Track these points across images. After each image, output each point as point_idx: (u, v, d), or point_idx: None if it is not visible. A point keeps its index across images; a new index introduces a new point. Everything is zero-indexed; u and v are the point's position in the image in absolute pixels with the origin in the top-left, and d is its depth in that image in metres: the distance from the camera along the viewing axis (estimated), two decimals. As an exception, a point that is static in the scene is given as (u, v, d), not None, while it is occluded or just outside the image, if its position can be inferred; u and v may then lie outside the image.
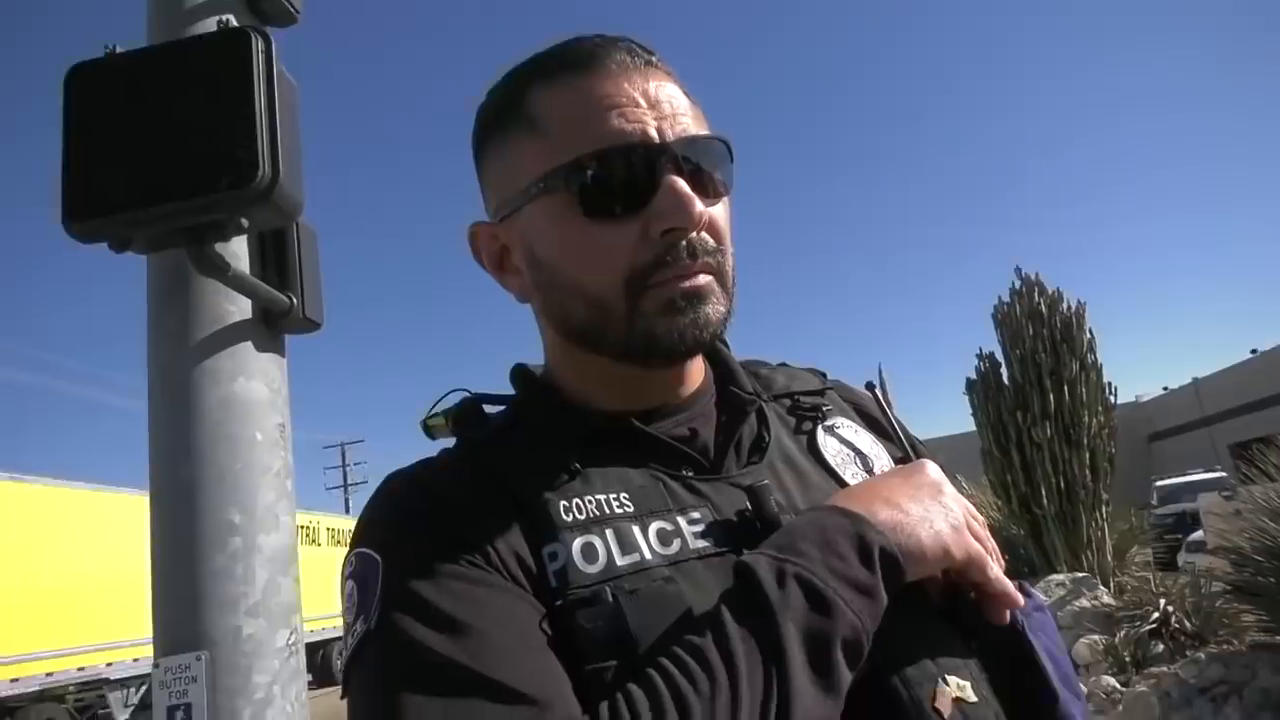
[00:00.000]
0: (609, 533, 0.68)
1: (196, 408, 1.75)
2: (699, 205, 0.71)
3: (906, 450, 0.86)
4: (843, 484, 0.79)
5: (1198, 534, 11.02)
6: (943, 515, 0.70)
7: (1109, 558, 8.50)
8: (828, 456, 0.82)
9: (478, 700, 0.58)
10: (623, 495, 0.71)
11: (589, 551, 0.66)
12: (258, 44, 1.33)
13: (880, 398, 0.91)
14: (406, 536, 0.68)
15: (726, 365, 0.85)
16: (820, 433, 0.84)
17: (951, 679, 0.64)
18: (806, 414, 0.86)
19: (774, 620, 0.58)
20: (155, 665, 1.76)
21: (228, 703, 1.73)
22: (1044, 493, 8.36)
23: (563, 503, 0.69)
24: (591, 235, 0.72)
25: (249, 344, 1.82)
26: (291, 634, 1.87)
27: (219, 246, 1.56)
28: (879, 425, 0.90)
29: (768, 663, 0.57)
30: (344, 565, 0.71)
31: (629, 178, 0.71)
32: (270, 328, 1.88)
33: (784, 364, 0.94)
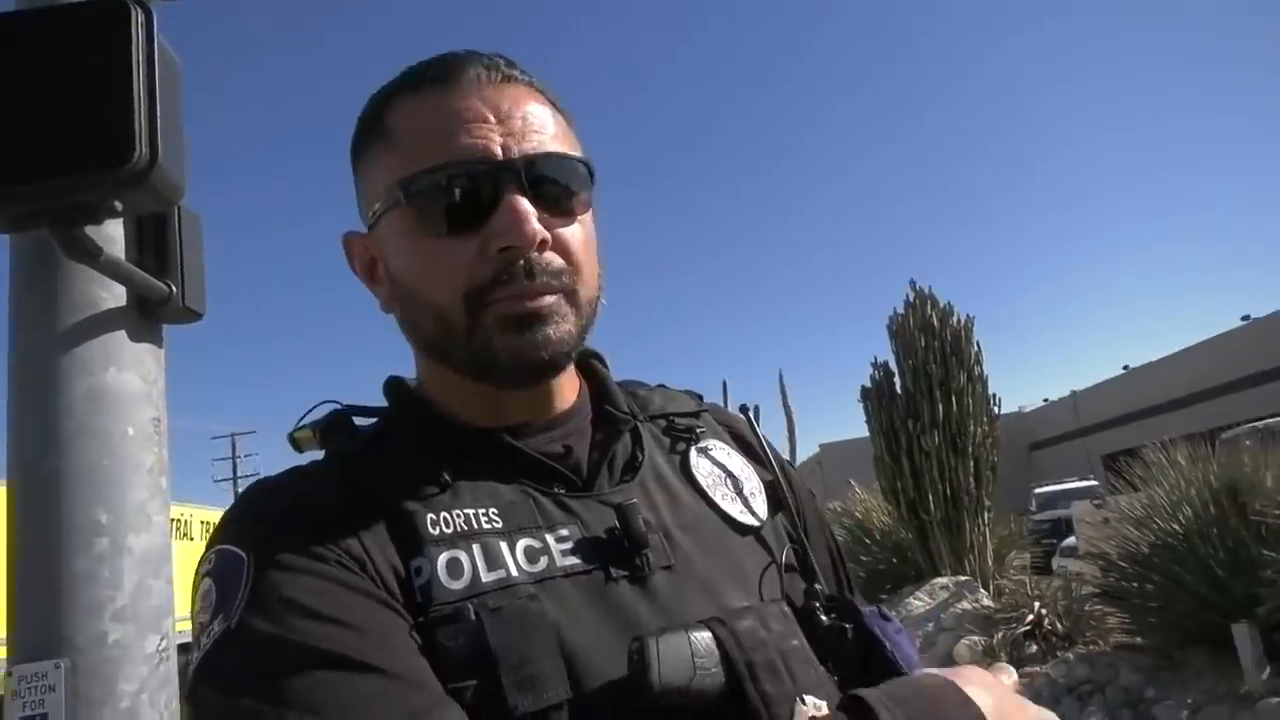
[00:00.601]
0: (475, 548, 0.67)
1: (62, 399, 1.64)
2: (534, 224, 0.70)
3: (776, 474, 0.89)
4: (712, 504, 0.81)
5: (1071, 540, 11.61)
6: None
7: (990, 562, 8.91)
8: (699, 477, 0.83)
9: (347, 675, 0.57)
10: (492, 510, 0.70)
11: (454, 567, 0.66)
12: (137, 16, 1.25)
13: (752, 421, 0.93)
14: (275, 536, 0.66)
15: (602, 383, 0.86)
16: (694, 454, 0.86)
17: (809, 698, 0.64)
18: (681, 435, 0.88)
19: None
20: (8, 673, 1.64)
21: (90, 713, 1.63)
22: (931, 499, 8.71)
23: (430, 515, 0.68)
24: (432, 249, 0.72)
25: (122, 333, 1.72)
26: (163, 639, 1.77)
27: (91, 230, 1.47)
28: (751, 448, 0.92)
29: None
30: (201, 563, 0.68)
31: (468, 194, 0.71)
32: (146, 316, 1.78)
33: (662, 385, 0.96)
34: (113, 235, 1.72)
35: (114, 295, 1.73)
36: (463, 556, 0.66)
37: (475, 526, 0.69)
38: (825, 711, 0.63)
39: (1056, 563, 11.48)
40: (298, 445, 0.81)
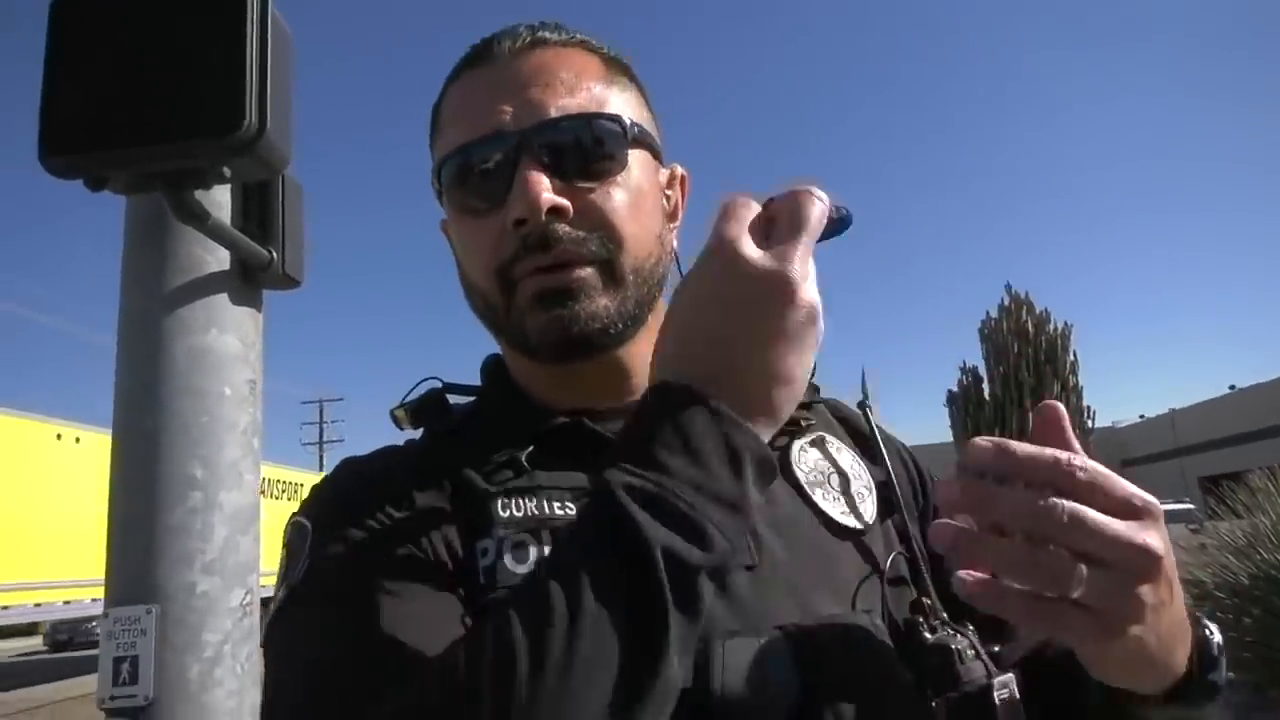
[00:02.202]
0: (545, 534, 0.66)
1: (165, 357, 1.70)
2: (539, 192, 0.67)
3: (890, 474, 0.81)
4: (810, 503, 0.75)
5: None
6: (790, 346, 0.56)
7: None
8: (799, 473, 0.77)
9: (375, 653, 0.57)
10: (567, 499, 0.68)
11: (520, 552, 0.65)
12: (253, -14, 1.28)
13: (868, 414, 0.86)
14: (339, 512, 0.68)
15: None
16: (796, 447, 0.79)
17: None
18: (785, 427, 0.82)
19: (648, 556, 0.49)
20: (104, 615, 1.72)
21: (176, 659, 1.70)
22: (1014, 511, 8.42)
23: (502, 500, 0.68)
24: (470, 230, 0.72)
25: (224, 296, 1.78)
26: (247, 594, 1.83)
27: (200, 194, 1.52)
28: (867, 445, 0.85)
29: (641, 615, 0.49)
30: (284, 531, 0.71)
31: (488, 171, 0.70)
32: (248, 281, 1.83)
33: None
34: (220, 201, 1.77)
35: (218, 259, 1.78)
36: (530, 542, 0.66)
37: (547, 513, 0.67)
38: None
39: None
40: (398, 423, 0.81)
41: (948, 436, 9.59)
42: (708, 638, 0.59)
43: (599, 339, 0.71)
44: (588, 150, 0.70)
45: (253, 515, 1.87)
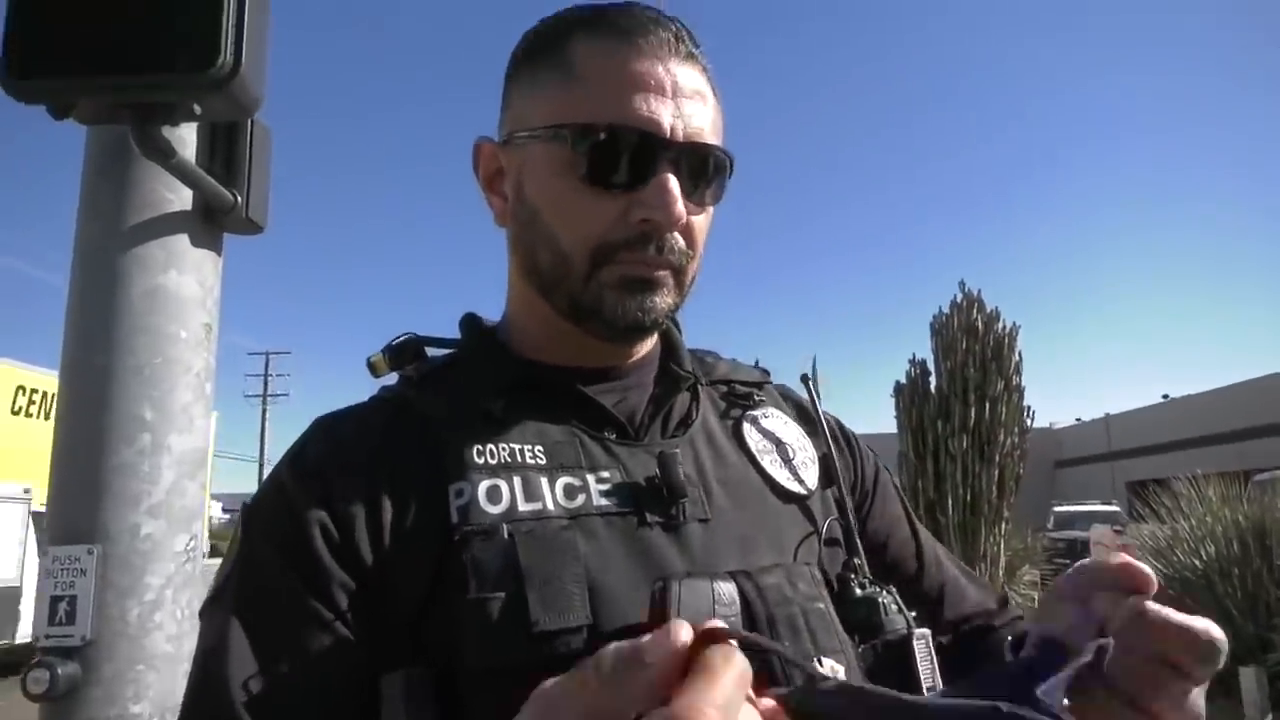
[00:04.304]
0: (516, 480, 0.71)
1: (121, 294, 1.67)
2: (680, 207, 0.73)
3: (830, 448, 0.89)
4: (759, 469, 0.83)
5: (1085, 562, 11.47)
6: None
7: (1000, 573, 8.84)
8: (750, 442, 0.85)
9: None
10: (538, 448, 0.74)
11: (493, 493, 0.70)
12: (235, -77, 1.25)
13: (813, 392, 0.95)
14: (275, 521, 0.71)
15: (672, 343, 0.89)
16: (747, 420, 0.88)
17: (827, 660, 0.65)
18: (738, 401, 0.90)
19: None
20: (43, 554, 1.70)
21: (116, 600, 1.68)
22: (950, 502, 8.64)
23: (476, 446, 0.72)
24: (578, 197, 0.74)
25: (185, 237, 1.74)
26: (191, 539, 1.82)
27: (166, 130, 1.49)
28: (811, 421, 0.93)
29: None
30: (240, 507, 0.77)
31: (631, 159, 0.73)
32: (209, 223, 1.80)
33: (734, 359, 0.98)
34: (185, 139, 1.73)
35: (180, 199, 1.75)
36: (503, 485, 0.70)
37: (519, 460, 0.72)
38: (841, 675, 0.64)
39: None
40: (374, 370, 0.85)
41: (893, 427, 9.76)
42: (665, 577, 0.63)
43: (655, 329, 0.81)
44: (711, 179, 0.78)
45: (201, 460, 1.85)
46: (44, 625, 1.67)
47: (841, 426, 0.97)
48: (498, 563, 0.65)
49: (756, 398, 0.91)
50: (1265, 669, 5.00)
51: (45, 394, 12.42)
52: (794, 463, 0.86)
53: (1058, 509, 19.89)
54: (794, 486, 0.83)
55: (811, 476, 0.86)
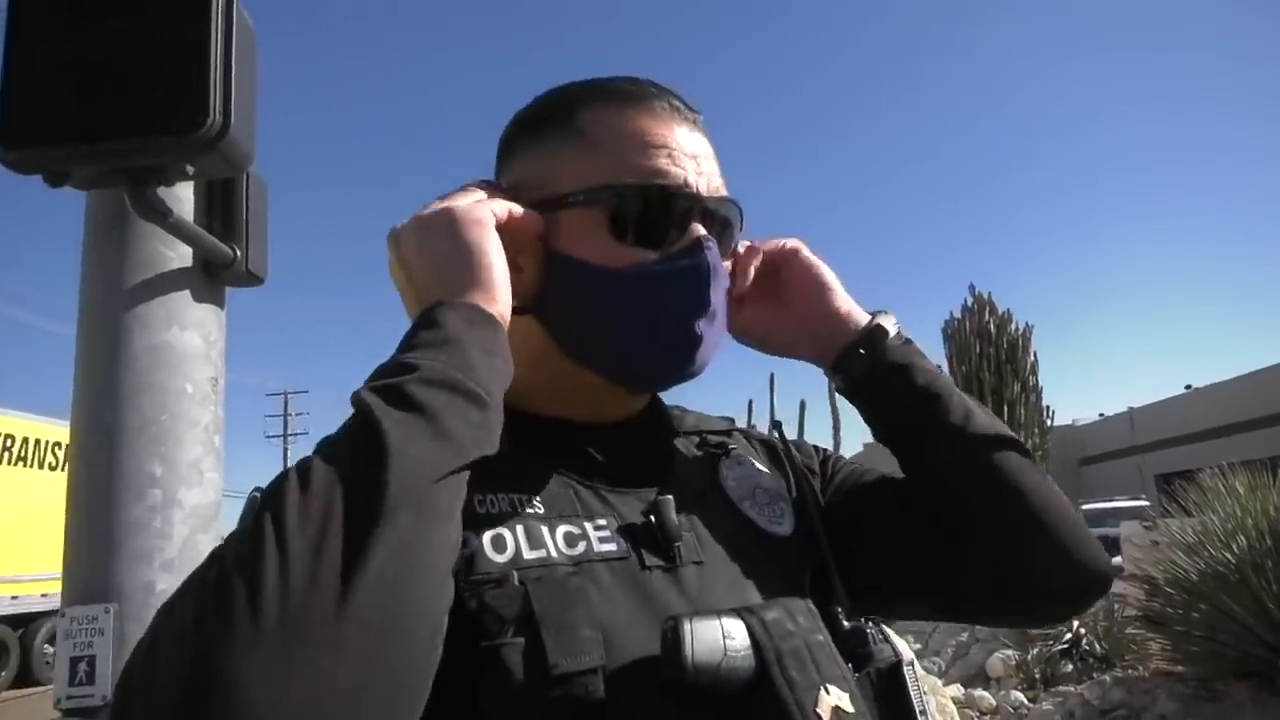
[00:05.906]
0: (519, 528, 0.72)
1: (125, 353, 1.69)
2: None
3: (801, 489, 0.93)
4: (740, 513, 0.86)
5: (1116, 560, 11.34)
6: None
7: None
8: (728, 488, 0.88)
9: None
10: (535, 498, 0.75)
11: (498, 542, 0.71)
12: (218, -14, 1.28)
13: (783, 437, 0.99)
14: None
15: (654, 397, 0.93)
16: (724, 466, 0.91)
17: (832, 688, 0.67)
18: (713, 450, 0.94)
19: (359, 403, 0.61)
20: (61, 614, 1.70)
21: (134, 657, 1.68)
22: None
23: (477, 496, 0.72)
24: (613, 249, 0.77)
25: (186, 293, 1.76)
26: (206, 592, 1.82)
27: (162, 191, 1.51)
28: (781, 464, 0.96)
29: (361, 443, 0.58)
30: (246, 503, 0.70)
31: (663, 216, 0.78)
32: (210, 278, 1.82)
33: (699, 411, 1.02)
34: (182, 197, 1.76)
35: (180, 256, 1.77)
36: (506, 534, 0.71)
37: (519, 510, 0.74)
38: (847, 701, 0.67)
39: (1100, 582, 11.19)
40: None
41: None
42: (676, 616, 0.66)
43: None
44: (732, 230, 0.84)
45: (213, 513, 1.86)
46: (64, 686, 1.68)
47: (812, 458, 1.00)
48: (512, 609, 0.66)
49: (729, 446, 0.94)
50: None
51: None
52: (770, 507, 0.89)
53: (1086, 507, 19.58)
54: (774, 529, 0.87)
55: (789, 519, 0.89)
